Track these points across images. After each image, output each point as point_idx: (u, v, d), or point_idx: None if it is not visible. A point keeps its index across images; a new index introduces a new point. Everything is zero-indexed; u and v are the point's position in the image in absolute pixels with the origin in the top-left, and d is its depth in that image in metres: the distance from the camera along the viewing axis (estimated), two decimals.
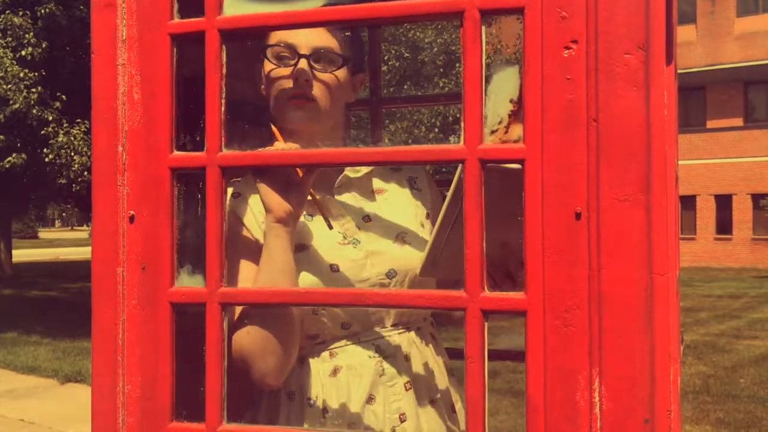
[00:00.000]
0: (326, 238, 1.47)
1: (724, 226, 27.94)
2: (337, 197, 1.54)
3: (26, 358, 9.48)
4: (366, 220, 1.53)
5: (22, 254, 32.34)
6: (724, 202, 27.87)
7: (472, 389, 1.07)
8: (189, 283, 1.23)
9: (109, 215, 1.24)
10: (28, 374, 8.77)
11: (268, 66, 1.50)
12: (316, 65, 1.47)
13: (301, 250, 1.44)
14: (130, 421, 1.22)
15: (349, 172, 1.55)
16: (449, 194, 1.26)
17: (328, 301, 1.25)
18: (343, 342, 1.48)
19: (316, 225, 1.49)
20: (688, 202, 27.42)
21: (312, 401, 1.46)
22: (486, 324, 1.07)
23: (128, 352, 1.22)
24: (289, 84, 1.47)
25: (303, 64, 1.46)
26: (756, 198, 26.69)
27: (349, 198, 1.55)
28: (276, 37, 1.48)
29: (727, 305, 14.95)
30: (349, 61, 1.51)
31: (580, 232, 1.03)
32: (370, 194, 1.57)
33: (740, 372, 8.49)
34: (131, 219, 1.22)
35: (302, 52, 1.46)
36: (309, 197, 1.40)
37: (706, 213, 28.19)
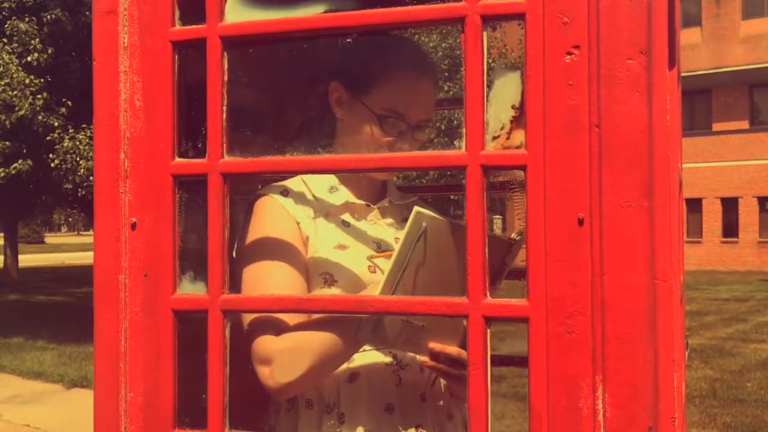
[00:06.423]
0: (365, 244, 1.49)
1: (730, 229, 27.83)
2: (379, 209, 1.57)
3: (32, 364, 9.49)
4: (396, 241, 1.51)
5: (28, 259, 32.42)
6: (730, 205, 27.76)
7: (474, 396, 1.06)
8: (191, 290, 1.23)
9: (111, 222, 1.24)
10: (34, 379, 8.77)
11: (367, 115, 1.48)
12: (415, 136, 1.50)
13: (342, 249, 1.45)
14: (132, 429, 1.22)
15: (394, 198, 1.60)
16: (403, 237, 1.25)
17: (330, 308, 1.25)
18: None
19: (357, 230, 1.50)
20: (694, 205, 27.34)
21: (329, 408, 1.44)
22: (489, 330, 1.06)
23: (130, 359, 1.22)
24: (384, 143, 1.47)
25: (408, 137, 1.48)
26: (762, 201, 26.61)
27: (388, 219, 1.58)
28: (388, 101, 1.46)
29: (733, 308, 14.89)
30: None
31: (583, 239, 1.03)
32: (401, 222, 1.57)
33: (747, 376, 8.45)
34: (133, 226, 1.22)
35: (411, 123, 1.48)
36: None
37: (712, 216, 28.09)
